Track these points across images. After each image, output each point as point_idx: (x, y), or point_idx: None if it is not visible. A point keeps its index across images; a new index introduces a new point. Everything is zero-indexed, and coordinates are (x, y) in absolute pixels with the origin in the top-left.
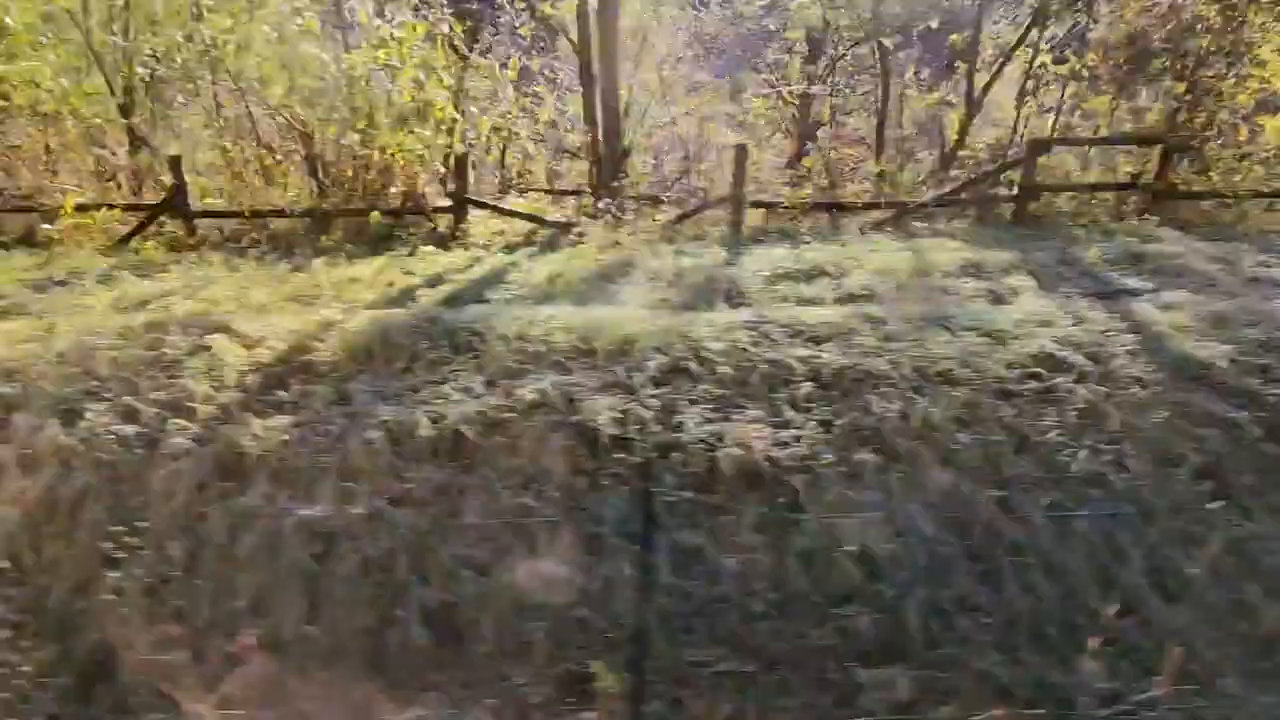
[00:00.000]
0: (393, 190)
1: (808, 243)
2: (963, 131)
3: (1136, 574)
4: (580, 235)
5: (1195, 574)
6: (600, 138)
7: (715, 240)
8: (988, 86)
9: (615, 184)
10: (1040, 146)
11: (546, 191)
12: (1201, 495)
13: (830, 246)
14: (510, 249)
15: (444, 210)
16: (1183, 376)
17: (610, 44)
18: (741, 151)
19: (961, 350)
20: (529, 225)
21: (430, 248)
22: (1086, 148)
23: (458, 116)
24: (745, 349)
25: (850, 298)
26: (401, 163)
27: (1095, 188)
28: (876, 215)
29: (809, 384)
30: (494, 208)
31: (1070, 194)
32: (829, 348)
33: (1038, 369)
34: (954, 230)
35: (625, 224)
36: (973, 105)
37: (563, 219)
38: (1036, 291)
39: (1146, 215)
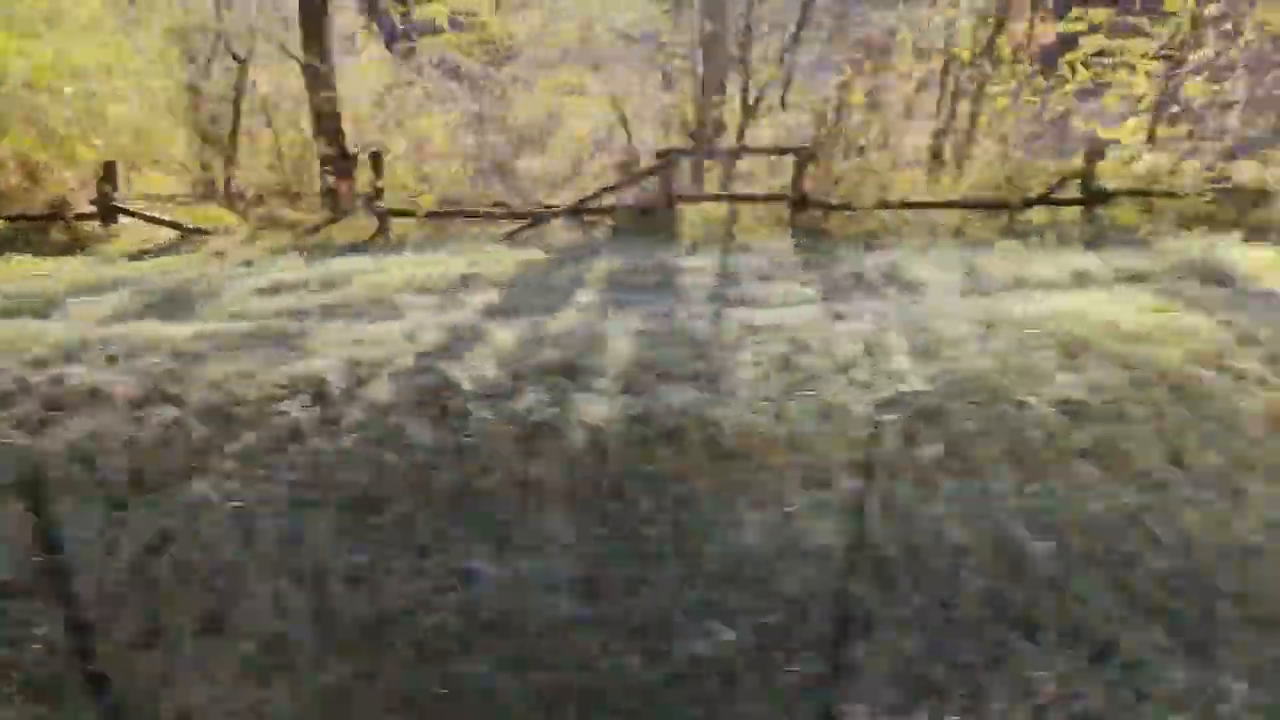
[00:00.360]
0: (37, 195)
1: (403, 254)
2: (740, 135)
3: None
4: (200, 245)
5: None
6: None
7: (332, 249)
8: (759, 95)
9: (332, 190)
10: (669, 156)
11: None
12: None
13: (411, 258)
14: (129, 256)
15: (88, 217)
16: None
17: (326, 45)
18: (376, 155)
19: (245, 367)
20: (175, 233)
21: (24, 256)
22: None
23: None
24: (31, 366)
25: (294, 313)
26: (46, 167)
27: (734, 198)
28: (511, 225)
29: (32, 403)
30: (137, 214)
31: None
32: (110, 368)
33: (282, 389)
34: (553, 242)
35: (301, 231)
36: (748, 110)
37: (213, 228)
38: (484, 310)
39: (790, 226)
